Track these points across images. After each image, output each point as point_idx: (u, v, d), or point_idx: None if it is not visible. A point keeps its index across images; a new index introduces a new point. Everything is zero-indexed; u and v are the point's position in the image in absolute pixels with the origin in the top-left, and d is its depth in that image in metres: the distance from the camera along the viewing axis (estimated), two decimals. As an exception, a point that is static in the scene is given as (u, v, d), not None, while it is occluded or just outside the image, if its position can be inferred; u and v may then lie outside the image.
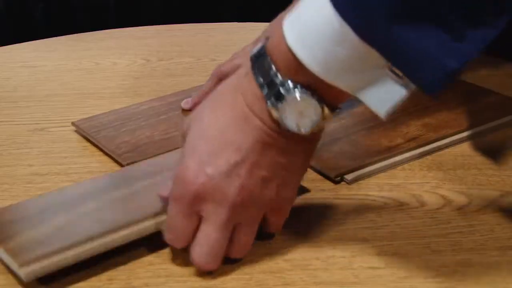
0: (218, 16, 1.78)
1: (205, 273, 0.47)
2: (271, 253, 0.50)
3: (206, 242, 0.46)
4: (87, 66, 0.88)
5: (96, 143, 0.65)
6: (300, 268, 0.48)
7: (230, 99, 0.46)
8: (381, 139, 0.64)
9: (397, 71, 0.40)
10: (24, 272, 0.45)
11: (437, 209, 0.55)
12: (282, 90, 0.42)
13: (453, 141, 0.65)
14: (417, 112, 0.69)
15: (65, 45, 0.97)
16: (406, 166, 0.62)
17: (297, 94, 0.42)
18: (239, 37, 0.96)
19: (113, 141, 0.65)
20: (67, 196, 0.53)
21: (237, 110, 0.45)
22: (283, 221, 0.50)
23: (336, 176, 0.59)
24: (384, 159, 0.61)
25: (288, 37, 0.41)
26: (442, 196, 0.57)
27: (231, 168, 0.44)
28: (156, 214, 0.49)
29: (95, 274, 0.48)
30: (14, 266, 0.46)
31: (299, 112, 0.43)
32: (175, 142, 0.63)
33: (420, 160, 0.63)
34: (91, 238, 0.47)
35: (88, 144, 0.67)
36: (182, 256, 0.49)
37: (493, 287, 0.46)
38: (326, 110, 0.43)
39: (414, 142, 0.63)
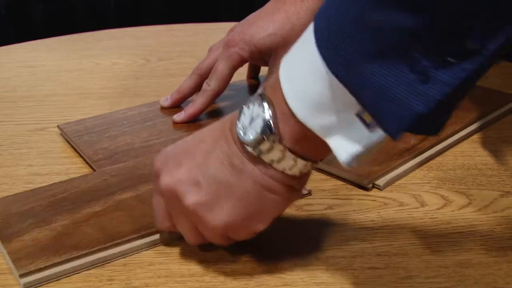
0: (218, 16, 1.78)
1: (205, 273, 0.48)
2: (271, 253, 0.50)
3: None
4: (87, 66, 0.88)
5: (76, 147, 0.65)
6: (300, 268, 0.48)
7: (211, 128, 0.46)
8: (395, 141, 0.64)
9: (367, 118, 0.38)
10: (24, 281, 0.46)
11: (437, 209, 0.55)
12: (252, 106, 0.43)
13: (462, 137, 0.66)
14: None
15: (65, 45, 0.97)
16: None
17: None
18: (239, 37, 0.96)
19: (92, 147, 0.64)
20: (74, 190, 0.56)
21: (214, 128, 0.46)
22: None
23: (369, 183, 0.58)
24: (408, 160, 0.61)
25: (280, 70, 0.41)
26: (442, 196, 0.57)
27: (180, 155, 0.45)
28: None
29: (95, 274, 0.48)
30: (15, 272, 0.47)
31: (251, 121, 0.42)
32: (154, 150, 0.63)
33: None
34: (91, 252, 0.49)
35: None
36: (182, 256, 0.50)
37: (493, 287, 0.46)
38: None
39: (427, 141, 0.63)
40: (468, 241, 0.51)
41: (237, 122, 0.43)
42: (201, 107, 0.70)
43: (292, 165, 0.42)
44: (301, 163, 0.43)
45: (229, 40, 0.71)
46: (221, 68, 0.71)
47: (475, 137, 0.67)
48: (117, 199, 0.55)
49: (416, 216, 0.54)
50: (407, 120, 0.36)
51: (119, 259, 0.49)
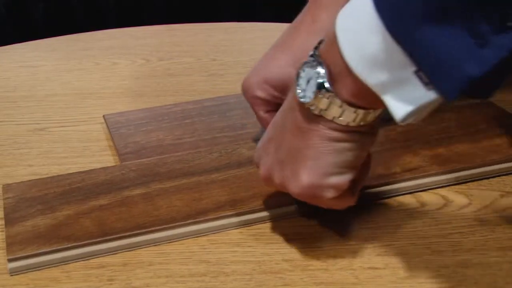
0: (218, 16, 1.78)
1: (205, 273, 0.48)
2: (271, 253, 0.50)
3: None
4: (87, 66, 0.88)
5: (111, 138, 0.66)
6: (300, 269, 0.48)
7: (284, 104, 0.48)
8: (377, 166, 0.58)
9: (424, 76, 0.39)
10: (11, 266, 0.47)
11: (437, 209, 0.55)
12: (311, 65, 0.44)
13: (448, 179, 0.58)
14: (436, 141, 0.62)
15: (65, 45, 0.97)
16: (406, 166, 0.62)
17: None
18: (239, 37, 0.96)
19: (125, 140, 0.65)
20: (90, 181, 0.57)
21: (285, 103, 0.48)
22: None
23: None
24: (370, 187, 0.56)
25: (337, 26, 0.42)
26: (442, 196, 0.57)
27: (265, 144, 0.49)
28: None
29: (95, 274, 0.48)
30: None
31: (307, 82, 0.44)
32: (182, 148, 0.63)
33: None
34: (80, 245, 0.49)
35: (88, 144, 0.67)
36: (182, 256, 0.50)
37: (493, 287, 0.46)
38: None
39: (410, 173, 0.57)
40: (468, 241, 0.51)
41: (296, 86, 0.45)
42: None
43: (354, 117, 0.43)
44: (362, 112, 0.43)
45: (243, 84, 0.61)
46: (257, 116, 0.61)
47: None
48: (125, 195, 0.55)
49: (416, 216, 0.54)
50: (462, 82, 0.37)
51: (108, 255, 0.49)
